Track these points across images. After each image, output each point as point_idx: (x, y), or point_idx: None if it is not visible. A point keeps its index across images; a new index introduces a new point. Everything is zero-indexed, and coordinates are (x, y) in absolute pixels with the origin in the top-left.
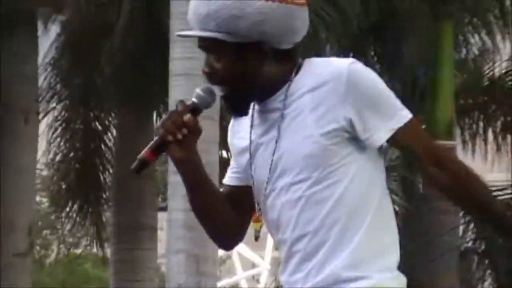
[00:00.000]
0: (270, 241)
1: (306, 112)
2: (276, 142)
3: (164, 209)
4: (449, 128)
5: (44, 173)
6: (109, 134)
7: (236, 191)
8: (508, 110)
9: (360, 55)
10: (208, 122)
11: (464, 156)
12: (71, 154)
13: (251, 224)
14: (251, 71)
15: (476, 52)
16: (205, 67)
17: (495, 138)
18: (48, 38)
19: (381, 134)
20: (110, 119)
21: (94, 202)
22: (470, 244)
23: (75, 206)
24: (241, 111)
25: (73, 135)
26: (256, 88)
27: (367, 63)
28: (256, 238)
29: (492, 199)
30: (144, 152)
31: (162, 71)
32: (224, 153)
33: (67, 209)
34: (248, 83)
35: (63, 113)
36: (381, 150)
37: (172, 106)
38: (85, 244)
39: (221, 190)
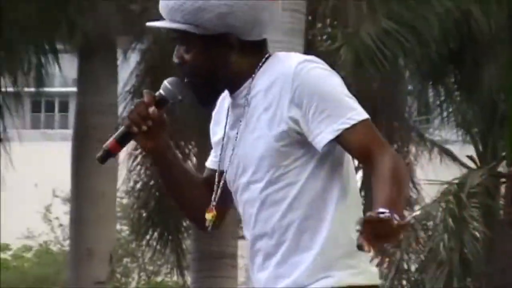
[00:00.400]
0: None
1: (260, 112)
2: (236, 139)
3: (244, 237)
4: None
5: (125, 201)
6: (189, 162)
7: (214, 174)
8: None
9: (439, 81)
10: None
11: None
12: (151, 182)
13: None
14: (218, 63)
15: None
16: (175, 58)
17: None
18: (127, 67)
19: (324, 135)
20: (190, 147)
21: (174, 230)
22: None
23: (155, 234)
24: (208, 102)
25: None
26: (223, 79)
27: (446, 89)
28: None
29: (398, 204)
30: (109, 142)
31: None
32: None
33: (147, 237)
34: (215, 74)
35: None
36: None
37: None
38: (166, 272)
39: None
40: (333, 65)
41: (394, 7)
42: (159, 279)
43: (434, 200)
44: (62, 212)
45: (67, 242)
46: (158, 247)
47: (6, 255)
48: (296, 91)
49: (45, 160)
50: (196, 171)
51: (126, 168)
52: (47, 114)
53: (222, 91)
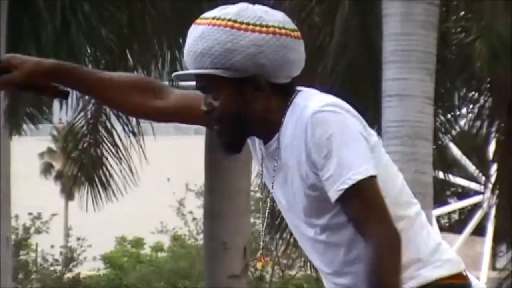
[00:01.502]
0: (485, 262)
1: (291, 166)
2: (275, 190)
3: None
4: None
5: (258, 194)
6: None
7: (194, 107)
8: None
9: None
10: (421, 143)
11: None
12: None
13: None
14: (247, 106)
15: None
16: (204, 106)
17: None
18: None
19: (331, 194)
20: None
21: None
22: None
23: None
24: (236, 149)
25: None
26: (252, 124)
27: None
28: (260, 278)
29: None
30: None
31: (375, 92)
32: (441, 174)
33: (281, 230)
34: (245, 118)
35: None
36: None
37: (384, 127)
38: (300, 265)
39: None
40: (468, 58)
41: None
42: (293, 272)
43: None
44: (195, 206)
45: (201, 236)
46: (292, 240)
47: (142, 250)
48: (308, 146)
49: (178, 154)
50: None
51: None
52: None
53: (249, 136)
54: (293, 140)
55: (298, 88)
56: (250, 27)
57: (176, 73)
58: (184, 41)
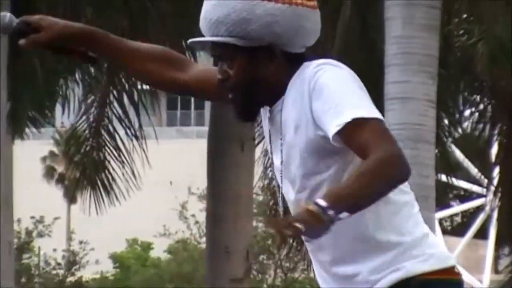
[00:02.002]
0: (488, 265)
1: (295, 119)
2: (281, 163)
3: None
4: None
5: (261, 198)
6: None
7: (210, 82)
8: None
9: None
10: (424, 146)
11: None
12: None
13: None
14: (262, 75)
15: None
16: (219, 74)
17: None
18: None
19: (330, 129)
20: None
21: None
22: None
23: None
24: (250, 117)
25: None
26: (266, 91)
27: None
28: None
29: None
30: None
31: (377, 95)
32: (443, 177)
33: None
34: (259, 87)
35: None
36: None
37: None
38: (302, 268)
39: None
40: (469, 60)
41: None
42: (295, 275)
43: None
44: (198, 210)
45: (204, 239)
46: (295, 243)
47: (148, 253)
48: (312, 95)
49: (180, 158)
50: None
51: (263, 165)
52: (183, 112)
53: (264, 104)
54: (296, 95)
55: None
56: None
57: (192, 39)
58: (186, 44)
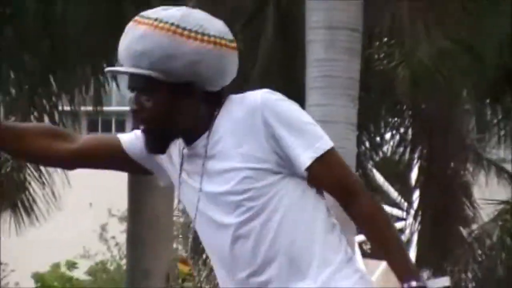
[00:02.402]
0: None
1: (229, 153)
2: (199, 191)
3: None
4: None
5: (181, 219)
6: None
7: (115, 150)
8: None
9: (497, 100)
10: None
11: None
12: None
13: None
14: (179, 111)
15: None
16: (133, 105)
17: None
18: None
19: (303, 159)
20: None
21: None
22: None
23: None
24: (160, 150)
25: None
26: (181, 128)
27: (503, 108)
28: (184, 280)
29: (395, 242)
30: None
31: None
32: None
33: (204, 256)
34: (174, 123)
35: None
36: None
37: None
38: None
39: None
40: (390, 84)
41: (450, 27)
42: None
43: (491, 219)
44: (118, 231)
45: (124, 261)
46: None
47: (70, 273)
48: (267, 123)
49: (100, 179)
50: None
51: None
52: (103, 133)
53: (176, 139)
54: (236, 130)
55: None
56: (193, 34)
57: (110, 68)
58: (108, 65)
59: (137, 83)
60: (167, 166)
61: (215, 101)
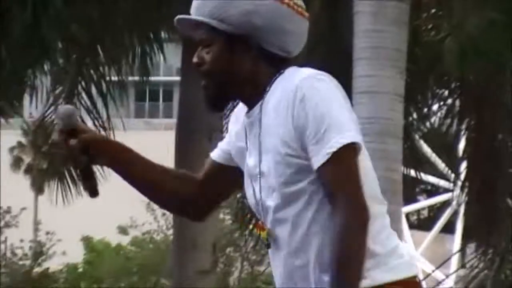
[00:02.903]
0: (455, 259)
1: (273, 132)
2: (259, 163)
3: None
4: None
5: None
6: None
7: (217, 167)
8: None
9: None
10: (392, 140)
11: None
12: None
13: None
14: (237, 67)
15: None
16: (195, 58)
17: None
18: None
19: (319, 156)
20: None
21: None
22: None
23: None
24: (218, 107)
25: None
26: (240, 86)
27: None
28: (268, 245)
29: (342, 271)
30: (82, 186)
31: (346, 89)
32: (411, 172)
33: (251, 226)
34: (233, 79)
35: None
36: None
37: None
38: (269, 261)
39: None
40: (438, 55)
41: None
42: (262, 268)
43: None
44: None
45: (171, 231)
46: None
47: (121, 238)
48: (296, 111)
49: (148, 150)
50: None
51: None
52: (151, 103)
53: (233, 99)
54: (277, 107)
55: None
56: None
57: (178, 16)
58: (154, 36)
59: (199, 34)
60: (242, 146)
61: (276, 65)
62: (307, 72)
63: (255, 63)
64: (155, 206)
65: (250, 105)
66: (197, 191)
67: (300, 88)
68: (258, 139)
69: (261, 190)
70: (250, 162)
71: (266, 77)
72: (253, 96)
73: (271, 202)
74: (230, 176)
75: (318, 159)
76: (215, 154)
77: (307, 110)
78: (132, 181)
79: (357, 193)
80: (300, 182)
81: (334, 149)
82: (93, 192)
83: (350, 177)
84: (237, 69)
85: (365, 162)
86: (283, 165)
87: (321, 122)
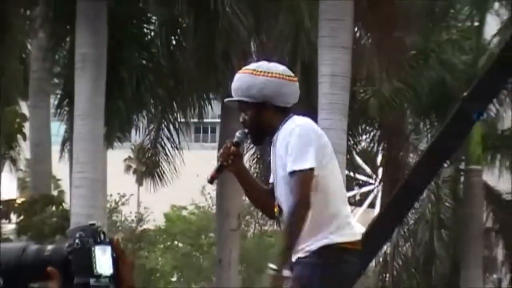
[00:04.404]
0: None
1: (278, 154)
2: (274, 172)
3: None
4: None
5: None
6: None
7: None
8: None
9: (426, 118)
10: (340, 156)
11: None
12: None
13: None
14: (263, 120)
15: None
16: (241, 119)
17: None
18: None
19: (288, 168)
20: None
21: None
22: None
23: None
24: (259, 143)
25: None
26: (265, 130)
27: (430, 124)
28: (279, 214)
29: (287, 240)
30: (211, 172)
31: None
32: (351, 173)
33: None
34: (262, 125)
35: None
36: None
37: None
38: (271, 223)
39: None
40: (366, 107)
41: (401, 75)
42: (267, 227)
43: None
44: (213, 191)
45: (215, 207)
46: None
47: (182, 213)
48: (287, 142)
49: (201, 162)
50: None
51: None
52: (204, 134)
53: (265, 136)
54: (282, 138)
55: (295, 113)
56: (262, 73)
57: (226, 99)
58: (206, 96)
59: (240, 106)
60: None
61: (283, 113)
62: (298, 121)
63: (273, 115)
64: (206, 193)
65: (271, 136)
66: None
67: (291, 131)
68: (273, 157)
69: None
70: (272, 171)
71: (279, 120)
72: (274, 132)
73: (277, 192)
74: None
75: (289, 169)
76: (271, 180)
77: (290, 144)
78: (250, 195)
79: (304, 199)
80: (287, 184)
81: (296, 168)
82: (212, 180)
83: (303, 187)
84: (263, 121)
85: (334, 171)
86: (282, 173)
87: (293, 151)
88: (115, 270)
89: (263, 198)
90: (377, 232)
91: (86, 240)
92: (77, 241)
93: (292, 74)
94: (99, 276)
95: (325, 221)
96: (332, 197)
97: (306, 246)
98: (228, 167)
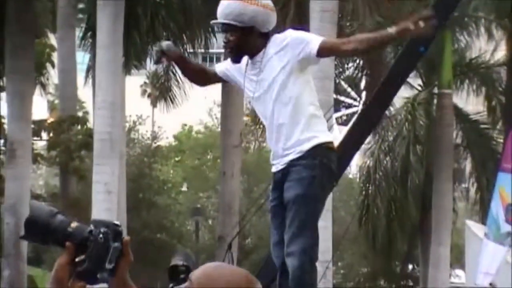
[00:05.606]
0: None
1: (275, 65)
2: (256, 82)
3: None
4: None
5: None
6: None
7: (214, 75)
8: None
9: None
10: None
11: None
12: None
13: None
14: (247, 42)
15: None
16: (224, 38)
17: None
18: None
19: (314, 45)
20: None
21: None
22: None
23: None
24: (237, 61)
25: None
26: (248, 51)
27: None
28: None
29: (383, 33)
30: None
31: None
32: None
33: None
34: (244, 48)
35: None
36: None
37: None
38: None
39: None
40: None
41: (383, 9)
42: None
43: (403, 105)
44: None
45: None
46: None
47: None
48: (293, 41)
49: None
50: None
51: None
52: (210, 63)
53: (246, 55)
54: (277, 49)
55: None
56: (254, 3)
57: (213, 21)
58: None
59: (226, 28)
60: (237, 76)
61: (265, 37)
62: (288, 30)
63: (256, 38)
64: (213, 113)
65: (253, 56)
66: (206, 77)
67: (288, 35)
68: (259, 69)
69: (261, 104)
70: (249, 87)
71: (263, 43)
72: (256, 52)
73: (261, 107)
74: (218, 80)
75: (315, 45)
76: (218, 70)
77: (295, 39)
78: (184, 71)
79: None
80: (285, 90)
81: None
82: (156, 63)
83: (334, 39)
84: (248, 43)
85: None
86: (280, 80)
87: (304, 39)
88: (116, 264)
89: (195, 71)
90: (350, 143)
91: (109, 237)
92: (101, 235)
93: (272, 4)
94: (104, 268)
95: (313, 117)
96: (315, 92)
97: (298, 146)
98: (162, 63)
